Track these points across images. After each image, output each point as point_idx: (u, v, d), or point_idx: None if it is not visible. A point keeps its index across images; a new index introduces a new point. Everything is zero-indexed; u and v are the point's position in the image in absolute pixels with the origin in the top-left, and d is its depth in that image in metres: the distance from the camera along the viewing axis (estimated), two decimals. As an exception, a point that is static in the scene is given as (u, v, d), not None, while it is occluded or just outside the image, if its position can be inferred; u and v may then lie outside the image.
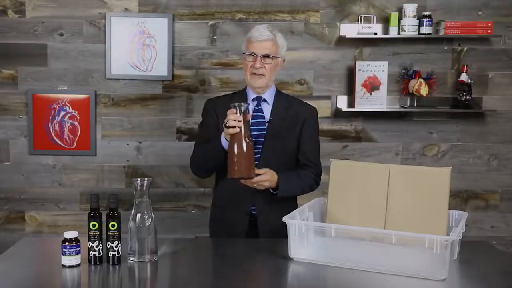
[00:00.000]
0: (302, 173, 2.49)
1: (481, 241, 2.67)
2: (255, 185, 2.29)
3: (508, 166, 3.63)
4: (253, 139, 2.29)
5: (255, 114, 2.45)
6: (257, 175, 2.27)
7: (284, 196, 2.39)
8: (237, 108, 2.18)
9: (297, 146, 2.51)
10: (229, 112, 2.19)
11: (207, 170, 2.51)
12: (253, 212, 2.45)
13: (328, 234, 2.06)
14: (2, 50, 3.48)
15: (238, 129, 2.16)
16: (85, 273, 1.92)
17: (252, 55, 2.39)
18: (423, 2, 3.46)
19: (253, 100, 2.48)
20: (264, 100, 2.49)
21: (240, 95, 2.51)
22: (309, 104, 2.62)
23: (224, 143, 2.28)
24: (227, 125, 2.18)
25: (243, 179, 2.23)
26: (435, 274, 1.87)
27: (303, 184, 2.48)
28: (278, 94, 2.54)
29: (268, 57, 2.39)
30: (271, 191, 2.37)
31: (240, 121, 2.16)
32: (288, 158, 2.49)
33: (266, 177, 2.29)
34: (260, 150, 2.42)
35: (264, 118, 2.46)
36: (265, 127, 2.44)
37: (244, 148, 2.17)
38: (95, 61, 3.49)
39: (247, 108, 2.20)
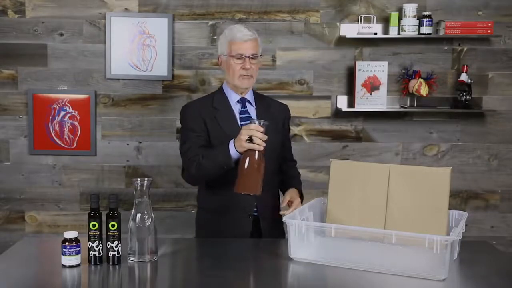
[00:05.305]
0: (296, 173, 2.66)
1: (481, 241, 2.67)
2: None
3: (508, 166, 3.63)
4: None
5: (243, 116, 2.45)
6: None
7: None
8: (263, 125, 2.13)
9: (281, 144, 2.54)
10: (253, 126, 2.14)
11: (212, 179, 2.41)
12: (254, 214, 2.45)
13: (328, 234, 2.07)
14: (2, 50, 3.48)
15: (262, 148, 2.13)
16: (85, 273, 1.92)
17: (241, 57, 2.37)
18: (423, 2, 3.46)
19: (237, 102, 2.46)
20: (248, 102, 2.48)
21: (219, 96, 2.47)
22: (282, 103, 2.66)
23: (234, 153, 2.21)
24: (252, 140, 2.13)
25: (249, 195, 2.21)
26: (435, 274, 1.87)
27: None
28: (255, 94, 2.55)
29: (255, 57, 2.39)
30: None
31: (266, 140, 2.14)
32: (276, 156, 2.49)
33: (298, 201, 2.41)
34: None
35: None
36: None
37: (259, 165, 2.13)
38: (95, 61, 3.49)
39: (267, 126, 2.17)
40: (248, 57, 2.36)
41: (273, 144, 2.42)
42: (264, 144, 2.14)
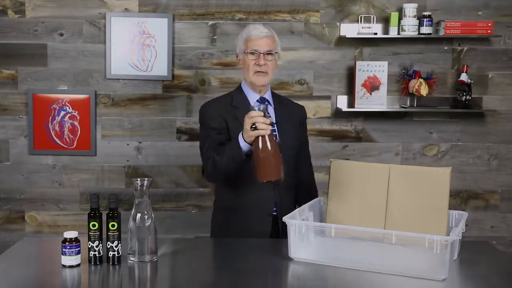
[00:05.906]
0: (315, 191, 2.63)
1: (481, 241, 2.67)
2: None
3: (508, 166, 3.63)
4: None
5: None
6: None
7: None
8: (262, 110, 2.12)
9: (300, 144, 2.54)
10: (253, 113, 2.12)
11: (229, 177, 2.38)
12: (274, 213, 2.43)
13: (328, 234, 2.07)
14: (2, 50, 3.48)
15: (268, 131, 2.10)
16: (85, 273, 1.92)
17: (255, 53, 2.38)
18: (423, 2, 3.47)
19: (257, 101, 2.45)
20: (267, 101, 2.48)
21: (239, 95, 2.48)
22: (299, 103, 2.67)
23: (244, 145, 2.19)
24: (256, 127, 2.10)
25: (272, 181, 2.17)
26: (435, 274, 1.87)
27: None
28: (274, 94, 2.55)
29: (270, 53, 2.39)
30: None
31: (269, 123, 2.12)
32: (294, 156, 2.49)
33: None
34: None
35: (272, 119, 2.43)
36: (274, 128, 2.42)
37: (273, 149, 2.10)
38: (95, 61, 3.49)
39: (266, 108, 2.15)
40: (263, 53, 2.37)
41: (290, 144, 2.43)
42: (270, 127, 2.11)
